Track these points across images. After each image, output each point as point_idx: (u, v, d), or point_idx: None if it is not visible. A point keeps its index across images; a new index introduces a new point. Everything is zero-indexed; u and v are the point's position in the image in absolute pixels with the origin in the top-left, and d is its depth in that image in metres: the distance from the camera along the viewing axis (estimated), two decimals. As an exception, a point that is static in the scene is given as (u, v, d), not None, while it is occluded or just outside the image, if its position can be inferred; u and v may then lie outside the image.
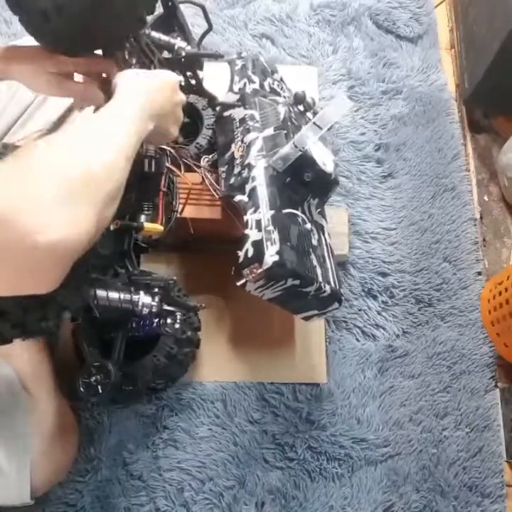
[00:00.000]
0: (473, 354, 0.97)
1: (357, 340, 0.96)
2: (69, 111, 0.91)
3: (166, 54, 0.73)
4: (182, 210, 0.78)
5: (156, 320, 0.75)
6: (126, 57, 0.65)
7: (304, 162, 0.77)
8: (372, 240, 1.04)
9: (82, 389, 0.69)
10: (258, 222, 0.72)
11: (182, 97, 0.65)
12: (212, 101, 0.81)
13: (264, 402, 0.90)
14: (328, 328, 0.96)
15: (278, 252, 0.69)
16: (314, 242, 0.79)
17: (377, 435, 0.90)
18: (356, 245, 1.03)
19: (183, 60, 0.73)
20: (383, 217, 1.06)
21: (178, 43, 0.72)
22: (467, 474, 0.89)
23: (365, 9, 1.26)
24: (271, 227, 0.71)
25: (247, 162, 0.78)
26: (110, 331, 0.76)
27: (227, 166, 0.82)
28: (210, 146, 0.90)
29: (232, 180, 0.79)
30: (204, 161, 0.86)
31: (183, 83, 0.76)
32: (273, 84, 0.94)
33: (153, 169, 0.73)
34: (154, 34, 0.70)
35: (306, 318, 0.84)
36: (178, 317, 0.77)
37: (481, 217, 1.11)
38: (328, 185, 0.84)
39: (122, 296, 0.69)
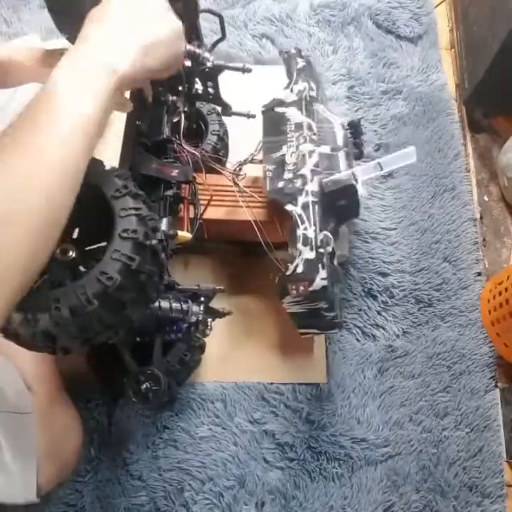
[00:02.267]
0: (473, 354, 0.97)
1: (357, 340, 0.96)
2: None
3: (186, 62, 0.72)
4: (202, 215, 0.79)
5: (185, 326, 0.75)
6: None
7: (349, 191, 0.77)
8: (372, 240, 1.04)
9: (134, 399, 0.69)
10: (311, 241, 0.73)
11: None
12: (226, 109, 0.80)
13: (264, 402, 0.90)
14: (328, 328, 0.96)
15: (327, 277, 0.71)
16: (334, 264, 0.81)
17: (377, 435, 0.90)
18: (356, 245, 1.03)
19: (206, 70, 0.73)
20: (383, 217, 1.06)
21: (203, 53, 0.71)
22: (467, 474, 0.89)
23: (365, 9, 1.26)
24: (322, 250, 0.72)
25: (301, 172, 0.78)
26: (142, 336, 0.76)
27: (275, 167, 0.81)
28: (215, 152, 0.90)
29: (281, 185, 0.78)
30: (233, 167, 0.85)
31: (200, 91, 0.76)
32: (322, 96, 0.93)
33: (181, 178, 0.73)
34: None
35: (304, 334, 0.86)
36: (209, 323, 0.77)
37: (481, 217, 1.11)
38: (352, 214, 0.84)
39: (174, 305, 0.69)
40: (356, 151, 0.89)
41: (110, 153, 1.00)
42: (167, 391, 0.75)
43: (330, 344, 0.95)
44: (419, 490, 0.88)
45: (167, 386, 0.75)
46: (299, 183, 0.77)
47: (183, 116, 0.79)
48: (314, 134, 0.82)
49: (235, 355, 0.93)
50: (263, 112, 0.87)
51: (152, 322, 0.72)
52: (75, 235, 0.59)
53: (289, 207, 0.76)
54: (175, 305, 0.70)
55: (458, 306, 1.01)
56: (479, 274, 1.04)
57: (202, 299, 0.75)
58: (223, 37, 0.74)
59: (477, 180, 1.14)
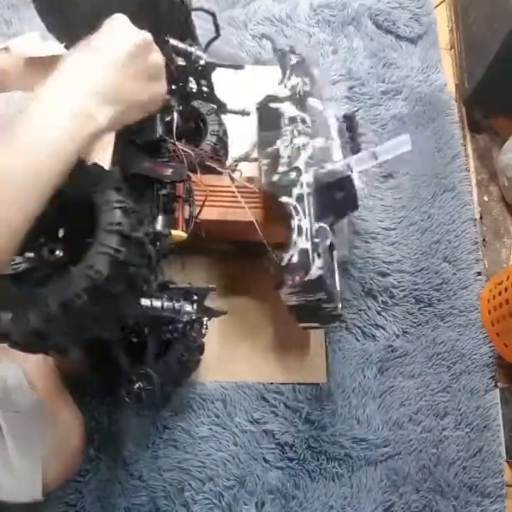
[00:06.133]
0: (473, 354, 0.97)
1: (357, 340, 0.96)
2: None
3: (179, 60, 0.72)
4: (198, 215, 0.79)
5: (181, 325, 0.75)
6: None
7: (345, 183, 0.78)
8: (372, 240, 1.04)
9: (127, 398, 0.69)
10: (305, 231, 0.73)
11: (156, 57, 0.55)
12: (221, 108, 0.80)
13: (264, 402, 0.90)
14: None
15: (323, 267, 0.71)
16: (333, 258, 0.81)
17: (377, 435, 0.90)
18: (356, 245, 1.03)
19: (199, 68, 0.73)
20: (383, 217, 1.06)
21: (196, 51, 0.71)
22: (467, 474, 0.89)
23: (365, 9, 1.26)
24: (317, 239, 0.73)
25: (295, 165, 0.78)
26: (138, 336, 0.76)
27: (269, 161, 0.81)
28: (214, 152, 0.90)
29: (276, 178, 0.79)
30: (229, 163, 0.86)
31: (194, 90, 0.76)
32: (317, 90, 0.93)
33: (175, 178, 0.73)
34: (173, 41, 0.69)
35: (306, 328, 0.87)
36: (205, 323, 0.77)
37: (481, 217, 1.11)
38: (350, 207, 0.84)
39: (166, 304, 0.69)
40: (353, 144, 0.89)
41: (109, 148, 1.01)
42: (160, 390, 0.74)
43: (330, 344, 0.95)
44: (419, 490, 0.88)
45: (160, 385, 0.75)
46: (293, 175, 0.77)
47: (176, 114, 0.78)
48: (308, 127, 0.82)
49: (235, 355, 0.93)
50: (257, 109, 0.88)
51: (146, 321, 0.72)
52: (60, 235, 0.59)
53: (283, 199, 0.76)
54: (167, 304, 0.69)
55: (458, 306, 1.01)
56: (479, 274, 1.04)
57: (195, 297, 0.74)
58: (217, 35, 0.74)
59: (477, 180, 1.14)
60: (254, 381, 0.91)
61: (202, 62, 0.71)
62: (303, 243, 0.72)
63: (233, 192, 0.83)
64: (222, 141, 0.94)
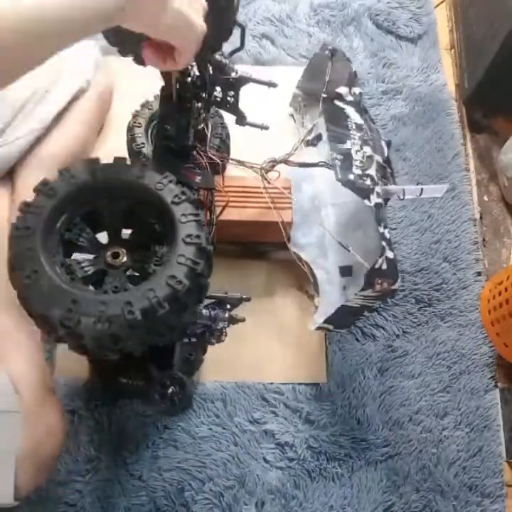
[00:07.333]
0: (473, 354, 0.97)
1: (357, 340, 0.96)
2: (67, 107, 0.93)
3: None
4: (217, 219, 0.80)
5: (200, 330, 0.75)
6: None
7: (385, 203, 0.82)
8: (372, 240, 1.04)
9: (162, 404, 0.69)
10: (389, 242, 0.74)
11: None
12: (241, 119, 0.81)
13: (264, 402, 0.90)
14: (328, 328, 0.96)
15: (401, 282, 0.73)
16: None
17: (377, 435, 0.90)
18: (356, 245, 1.03)
19: (230, 80, 0.73)
20: (383, 217, 1.07)
21: (229, 63, 0.72)
22: (467, 474, 0.89)
23: (365, 9, 1.27)
24: (396, 252, 0.74)
25: (369, 173, 0.79)
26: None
27: (342, 158, 0.80)
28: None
29: (352, 177, 0.78)
30: (265, 163, 0.86)
31: (219, 99, 0.77)
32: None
33: (203, 185, 0.74)
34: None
35: (319, 328, 0.86)
36: (224, 330, 0.77)
37: (481, 217, 1.11)
38: None
39: (203, 311, 0.70)
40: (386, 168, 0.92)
41: (109, 149, 1.01)
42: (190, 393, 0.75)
43: (330, 344, 0.95)
44: (419, 490, 0.88)
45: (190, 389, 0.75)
46: (368, 181, 0.78)
47: (210, 123, 0.80)
48: (370, 140, 0.83)
49: (235, 355, 0.93)
50: (324, 99, 0.88)
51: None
52: (123, 238, 0.61)
53: (366, 202, 0.76)
54: (204, 311, 0.71)
55: (458, 306, 1.01)
56: (479, 274, 1.04)
57: (228, 306, 0.75)
58: (242, 47, 0.75)
59: (477, 180, 1.14)
60: (254, 381, 0.91)
61: (234, 74, 0.72)
62: (389, 253, 0.73)
63: (254, 193, 0.85)
64: (225, 143, 0.94)
